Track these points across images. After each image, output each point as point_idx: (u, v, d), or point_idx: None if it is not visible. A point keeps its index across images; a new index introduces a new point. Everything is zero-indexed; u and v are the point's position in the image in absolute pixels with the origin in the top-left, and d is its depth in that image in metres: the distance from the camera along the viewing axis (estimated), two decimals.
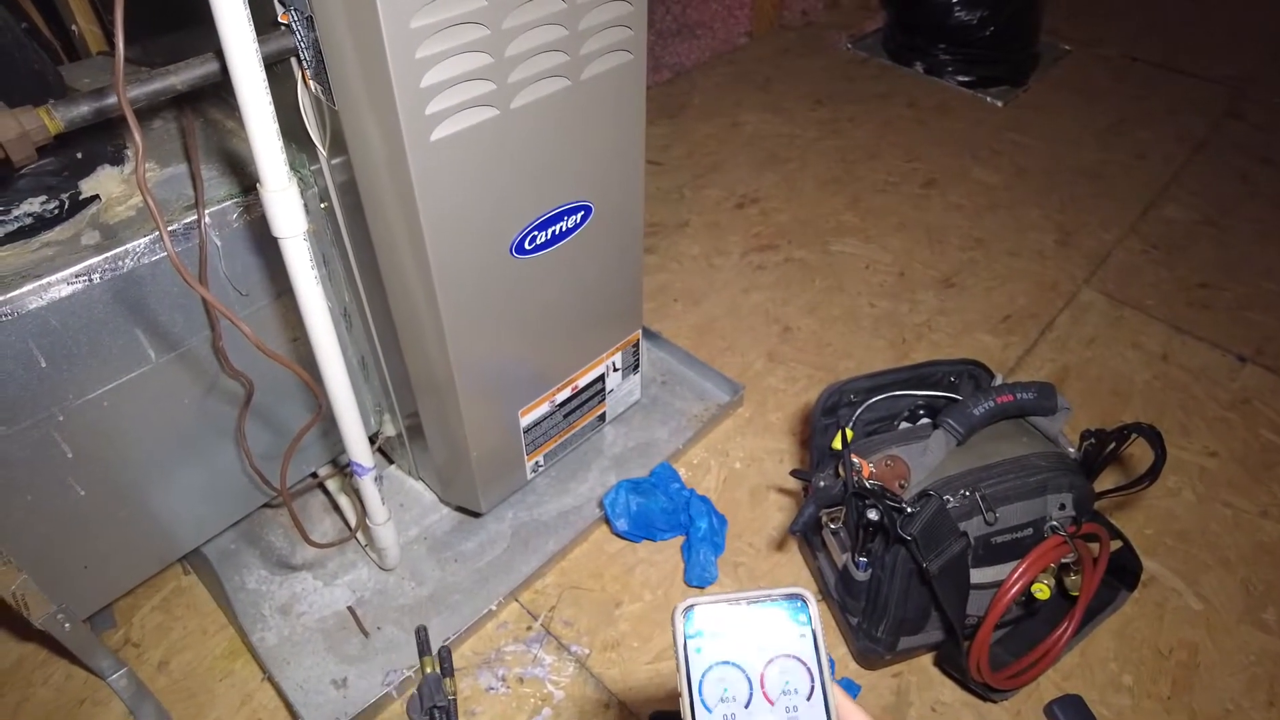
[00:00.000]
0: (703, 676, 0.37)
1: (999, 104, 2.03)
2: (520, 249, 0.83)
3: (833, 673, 0.92)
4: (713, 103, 2.03)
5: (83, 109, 0.58)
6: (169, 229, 0.75)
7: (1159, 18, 2.43)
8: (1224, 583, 1.07)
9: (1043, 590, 0.85)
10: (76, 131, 0.63)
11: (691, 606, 0.38)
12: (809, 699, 0.37)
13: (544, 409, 1.01)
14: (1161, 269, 1.56)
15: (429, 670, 0.85)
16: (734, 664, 0.37)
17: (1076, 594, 0.87)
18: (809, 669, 0.37)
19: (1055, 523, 0.86)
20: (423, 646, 0.88)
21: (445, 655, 0.88)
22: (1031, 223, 1.67)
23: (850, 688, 0.92)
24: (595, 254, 0.94)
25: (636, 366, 1.14)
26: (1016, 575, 0.84)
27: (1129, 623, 1.02)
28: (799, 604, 0.38)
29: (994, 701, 0.95)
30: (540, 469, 1.08)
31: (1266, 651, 1.00)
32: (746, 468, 1.20)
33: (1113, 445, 0.89)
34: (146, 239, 0.73)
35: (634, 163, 0.92)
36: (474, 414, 0.91)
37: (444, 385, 0.88)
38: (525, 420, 1.00)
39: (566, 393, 1.04)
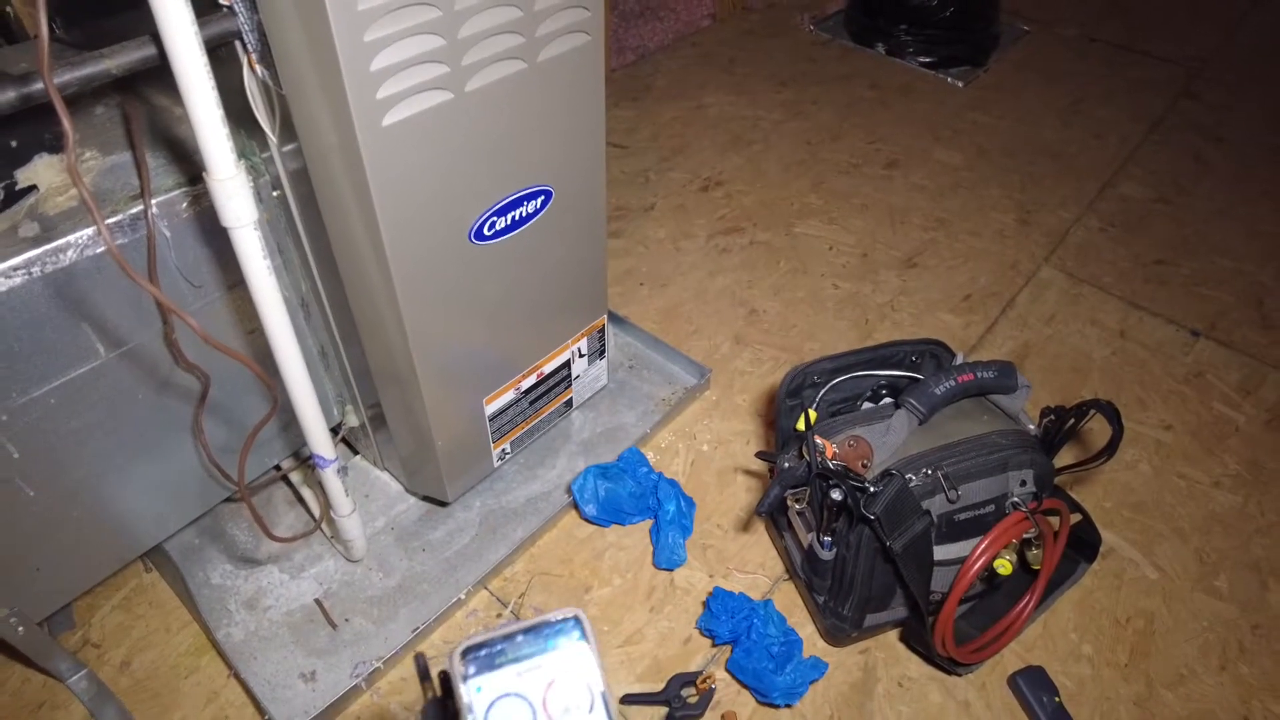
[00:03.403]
0: (486, 713, 0.38)
1: (960, 84, 2.04)
2: (479, 235, 0.82)
3: (800, 653, 0.93)
4: (677, 85, 2.02)
5: (8, 95, 0.55)
6: (114, 219, 0.73)
7: None
8: (1178, 552, 1.09)
9: (1005, 566, 0.86)
10: (10, 119, 0.61)
11: (470, 647, 0.39)
12: (590, 711, 0.39)
13: (509, 396, 1.01)
14: (1119, 247, 1.59)
15: (430, 696, 0.85)
16: (516, 694, 0.38)
17: (1038, 568, 0.89)
18: (588, 684, 0.39)
19: (1016, 499, 0.88)
20: (423, 673, 0.88)
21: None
22: (992, 202, 1.69)
23: (818, 666, 0.93)
24: (557, 239, 0.93)
25: (603, 352, 1.14)
26: (979, 552, 0.85)
27: (1089, 594, 1.05)
28: (573, 623, 0.40)
29: (959, 675, 0.96)
30: (507, 456, 1.08)
31: (1219, 617, 1.03)
32: (714, 450, 1.21)
33: (1072, 422, 0.91)
34: (89, 230, 0.71)
35: (595, 146, 0.91)
36: (437, 403, 0.90)
37: (405, 375, 0.86)
38: (490, 408, 0.99)
39: (532, 379, 1.03)
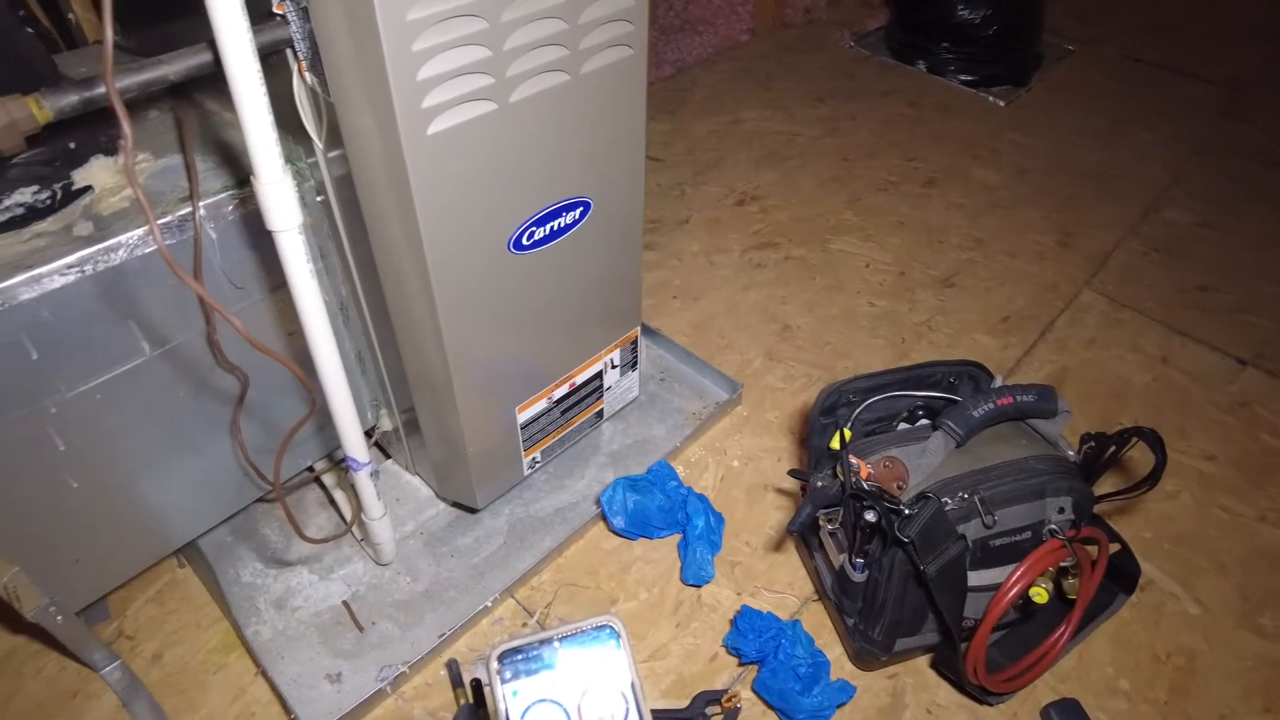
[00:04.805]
0: (522, 717, 0.37)
1: (1001, 103, 2.02)
2: (518, 244, 0.83)
3: (828, 675, 0.92)
4: (714, 99, 2.02)
5: (71, 98, 0.57)
6: (163, 220, 0.75)
7: (1161, 18, 2.42)
8: (1221, 587, 1.06)
9: (1041, 594, 0.84)
10: (69, 121, 0.62)
11: (506, 651, 0.39)
12: (625, 719, 0.39)
13: (541, 405, 1.01)
14: (1161, 271, 1.55)
15: (462, 702, 0.85)
16: (551, 700, 0.38)
17: (1074, 597, 0.87)
18: (623, 693, 0.39)
19: (1054, 526, 0.86)
20: (456, 679, 0.88)
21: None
22: (1031, 223, 1.66)
23: (845, 689, 0.91)
24: (594, 250, 0.93)
25: (635, 364, 1.14)
26: (1014, 579, 0.83)
27: (1126, 627, 1.02)
28: (609, 632, 0.40)
29: (990, 704, 0.94)
30: (537, 465, 1.08)
31: (1263, 657, 0.99)
32: (744, 466, 1.20)
33: (1113, 449, 0.89)
34: (139, 231, 0.73)
35: (634, 159, 0.91)
36: (471, 410, 0.91)
37: (440, 381, 0.87)
38: (522, 417, 0.99)
39: (564, 389, 1.03)
